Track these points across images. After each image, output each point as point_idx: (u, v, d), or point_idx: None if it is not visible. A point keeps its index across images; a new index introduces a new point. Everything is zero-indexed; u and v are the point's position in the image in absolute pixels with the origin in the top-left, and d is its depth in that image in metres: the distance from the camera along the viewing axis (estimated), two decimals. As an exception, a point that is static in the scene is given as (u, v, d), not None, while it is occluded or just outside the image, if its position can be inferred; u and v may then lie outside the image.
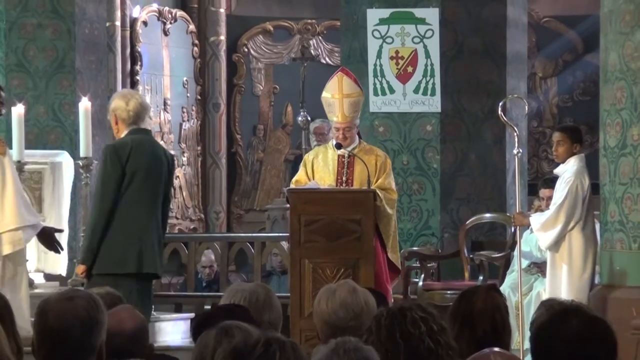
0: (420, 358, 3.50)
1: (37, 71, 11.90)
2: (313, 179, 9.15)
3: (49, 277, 10.17)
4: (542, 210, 9.87)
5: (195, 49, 16.08)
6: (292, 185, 9.27)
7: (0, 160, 8.42)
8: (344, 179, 9.11)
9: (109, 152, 8.34)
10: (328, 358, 3.21)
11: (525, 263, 10.08)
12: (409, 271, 10.91)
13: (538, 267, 10.10)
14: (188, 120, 15.98)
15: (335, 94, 9.02)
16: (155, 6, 15.60)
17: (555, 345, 3.47)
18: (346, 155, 9.06)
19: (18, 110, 9.54)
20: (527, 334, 9.98)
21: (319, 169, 9.17)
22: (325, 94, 9.14)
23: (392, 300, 8.57)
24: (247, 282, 4.78)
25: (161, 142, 15.46)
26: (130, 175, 8.21)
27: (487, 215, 11.41)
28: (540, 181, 10.85)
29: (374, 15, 12.16)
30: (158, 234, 8.34)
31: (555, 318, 3.61)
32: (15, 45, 11.84)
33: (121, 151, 8.24)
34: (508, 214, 10.99)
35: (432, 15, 12.06)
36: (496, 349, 3.37)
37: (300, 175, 9.28)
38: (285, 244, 11.48)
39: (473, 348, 3.96)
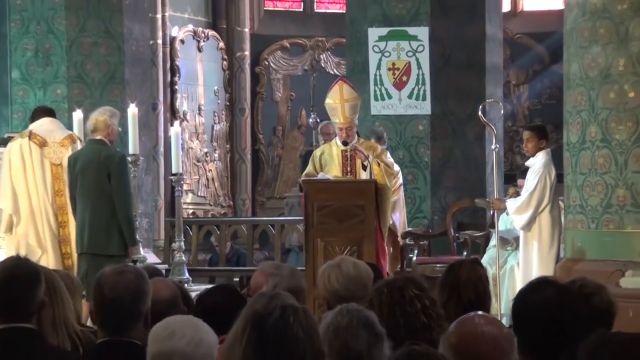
0: (416, 332, 3.50)
1: (93, 82, 11.91)
2: (321, 171, 9.14)
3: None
4: (517, 195, 9.88)
5: (225, 62, 16.08)
6: (303, 178, 9.26)
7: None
8: (348, 169, 9.10)
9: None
10: (334, 319, 3.22)
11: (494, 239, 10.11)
12: (404, 247, 10.91)
13: (503, 242, 10.06)
14: (219, 122, 15.98)
15: (337, 100, 9.00)
16: (191, 27, 15.61)
17: (532, 312, 3.46)
18: (349, 150, 9.06)
19: (78, 115, 9.56)
20: (503, 300, 10.00)
21: (327, 162, 9.16)
22: (328, 100, 9.12)
23: (387, 272, 8.54)
24: (278, 264, 4.76)
25: (196, 141, 15.51)
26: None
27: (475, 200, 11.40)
28: (517, 172, 10.87)
29: (374, 33, 12.15)
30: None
31: (531, 288, 3.61)
32: (75, 60, 11.85)
33: None
34: (487, 200, 10.98)
35: (423, 33, 12.05)
36: (479, 312, 3.36)
37: (309, 169, 9.28)
38: (300, 226, 11.49)
39: (460, 312, 3.95)
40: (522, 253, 9.27)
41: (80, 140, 9.07)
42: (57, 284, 4.28)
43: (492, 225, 10.10)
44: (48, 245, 8.80)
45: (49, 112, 9.24)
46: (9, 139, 10.28)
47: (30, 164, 8.84)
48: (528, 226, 9.12)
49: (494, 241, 9.80)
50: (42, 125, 9.02)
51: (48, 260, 8.59)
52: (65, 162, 8.78)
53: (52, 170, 8.85)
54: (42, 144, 8.88)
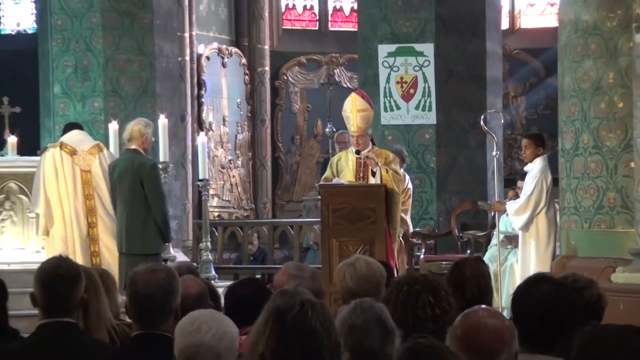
0: (426, 333, 3.48)
1: (127, 96, 11.94)
2: (337, 176, 9.15)
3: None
4: (516, 197, 9.86)
5: (247, 77, 16.09)
6: (322, 182, 9.27)
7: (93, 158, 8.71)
8: (361, 175, 9.10)
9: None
10: (349, 317, 3.23)
11: (501, 236, 10.08)
12: (412, 246, 10.90)
13: (508, 239, 10.04)
14: (241, 132, 15.99)
15: (350, 110, 9.01)
16: (215, 45, 15.63)
17: (530, 306, 3.45)
18: (362, 158, 9.06)
19: (113, 127, 9.59)
20: (504, 294, 9.98)
21: (342, 168, 9.17)
22: (343, 111, 9.14)
23: (396, 269, 8.52)
24: (301, 266, 4.75)
25: (221, 150, 15.53)
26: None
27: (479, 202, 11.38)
28: (517, 176, 10.84)
29: (383, 49, 12.15)
30: None
31: (528, 284, 3.60)
32: (111, 75, 11.88)
33: None
34: (489, 202, 10.96)
35: (428, 49, 12.04)
36: (483, 305, 3.35)
37: (327, 173, 9.29)
38: (317, 227, 11.49)
39: (464, 305, 3.94)
40: (520, 251, 9.24)
41: (107, 149, 9.13)
42: (96, 281, 4.29)
43: (493, 226, 10.08)
44: (77, 245, 8.82)
45: (78, 126, 9.36)
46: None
47: (62, 172, 8.87)
48: (526, 227, 9.10)
49: (495, 240, 9.78)
50: (72, 136, 9.07)
51: (76, 259, 8.62)
52: (94, 169, 8.83)
53: (82, 176, 8.88)
54: (72, 152, 8.91)
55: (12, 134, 11.07)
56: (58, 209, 8.89)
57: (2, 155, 10.70)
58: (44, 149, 9.79)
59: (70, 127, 9.40)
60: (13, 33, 15.97)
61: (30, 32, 15.46)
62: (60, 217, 8.86)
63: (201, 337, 3.03)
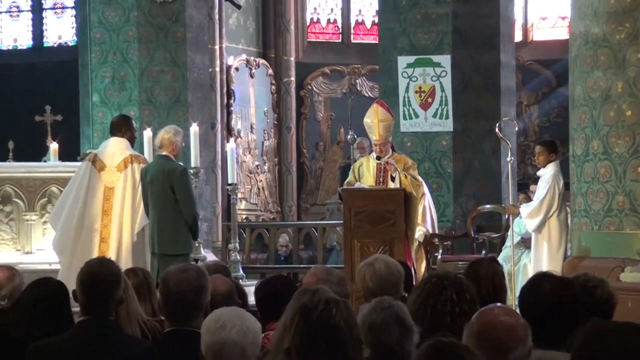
0: (438, 328, 3.46)
1: (160, 105, 11.98)
2: (359, 180, 9.14)
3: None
4: (527, 200, 9.82)
5: (273, 87, 16.10)
6: (344, 186, 9.26)
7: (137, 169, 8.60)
8: (381, 180, 9.09)
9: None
10: (369, 312, 3.22)
11: (516, 239, 10.02)
12: (431, 247, 10.86)
13: (524, 242, 10.00)
14: (268, 139, 16.00)
15: (373, 119, 9.00)
16: (244, 56, 15.66)
17: (536, 304, 3.43)
18: (382, 163, 9.05)
19: (148, 134, 9.60)
20: (517, 293, 9.94)
21: (364, 173, 9.16)
22: (366, 119, 9.13)
23: (414, 270, 8.47)
24: (329, 270, 4.70)
25: (249, 156, 15.55)
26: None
27: (488, 206, 11.33)
28: (530, 181, 10.80)
29: (403, 61, 12.13)
30: None
31: (532, 283, 3.58)
32: (145, 85, 11.93)
33: None
34: (503, 205, 10.91)
35: (445, 60, 12.01)
36: (498, 304, 3.33)
37: (350, 178, 9.30)
38: (340, 229, 11.48)
39: (479, 303, 3.92)
40: (533, 252, 9.20)
41: (142, 158, 8.89)
42: (127, 282, 4.29)
43: (507, 228, 10.03)
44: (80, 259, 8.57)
45: (118, 127, 8.89)
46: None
47: (86, 187, 8.68)
48: (539, 229, 9.06)
49: (509, 241, 9.74)
50: (107, 148, 8.78)
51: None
52: (117, 185, 8.62)
53: (105, 192, 8.70)
54: (101, 168, 8.75)
55: (54, 140, 11.12)
56: (73, 223, 8.67)
57: (45, 161, 10.75)
58: (84, 155, 9.77)
59: (113, 129, 9.06)
60: (55, 46, 16.07)
61: (71, 44, 15.55)
62: (74, 233, 8.64)
63: (226, 334, 3.02)
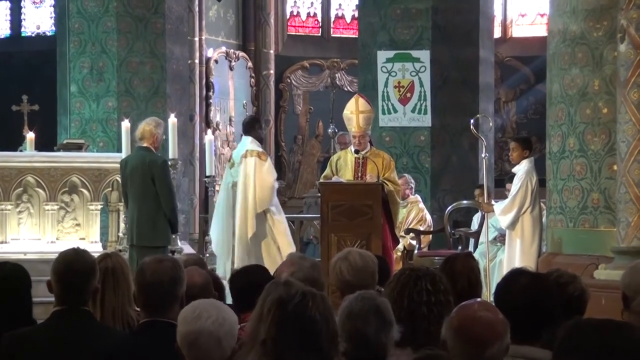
0: (416, 318, 3.48)
1: (139, 96, 11.94)
2: (337, 174, 9.14)
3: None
4: (481, 198, 9.87)
5: (252, 80, 16.08)
6: (322, 180, 9.26)
7: (263, 163, 8.80)
8: (359, 174, 9.09)
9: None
10: (349, 304, 3.23)
11: (494, 235, 10.05)
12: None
13: (502, 238, 10.03)
14: (247, 132, 15.97)
15: (353, 111, 9.00)
16: (224, 49, 15.62)
17: (511, 299, 3.45)
18: (361, 157, 9.05)
19: (125, 125, 9.57)
20: (492, 289, 9.98)
21: (342, 167, 9.16)
22: (345, 111, 9.13)
23: (394, 262, 8.51)
24: (304, 256, 4.71)
25: (227, 148, 15.53)
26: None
27: (464, 202, 11.36)
28: (506, 178, 10.82)
29: (382, 55, 12.14)
30: None
31: (508, 278, 3.59)
32: (124, 77, 11.89)
33: None
34: (479, 201, 10.95)
35: (424, 55, 12.03)
36: (478, 299, 3.35)
37: (327, 172, 9.29)
38: (317, 223, 11.49)
39: (455, 299, 3.94)
40: (507, 248, 9.23)
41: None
42: (119, 278, 4.28)
43: (482, 224, 10.07)
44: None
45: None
46: (68, 145, 10.32)
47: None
48: (512, 225, 9.08)
49: (484, 237, 9.77)
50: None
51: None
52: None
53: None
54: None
55: (31, 130, 11.06)
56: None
57: (21, 151, 10.70)
58: (61, 146, 9.75)
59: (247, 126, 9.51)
60: (33, 35, 15.97)
61: (49, 34, 15.46)
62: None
63: (202, 324, 3.04)
